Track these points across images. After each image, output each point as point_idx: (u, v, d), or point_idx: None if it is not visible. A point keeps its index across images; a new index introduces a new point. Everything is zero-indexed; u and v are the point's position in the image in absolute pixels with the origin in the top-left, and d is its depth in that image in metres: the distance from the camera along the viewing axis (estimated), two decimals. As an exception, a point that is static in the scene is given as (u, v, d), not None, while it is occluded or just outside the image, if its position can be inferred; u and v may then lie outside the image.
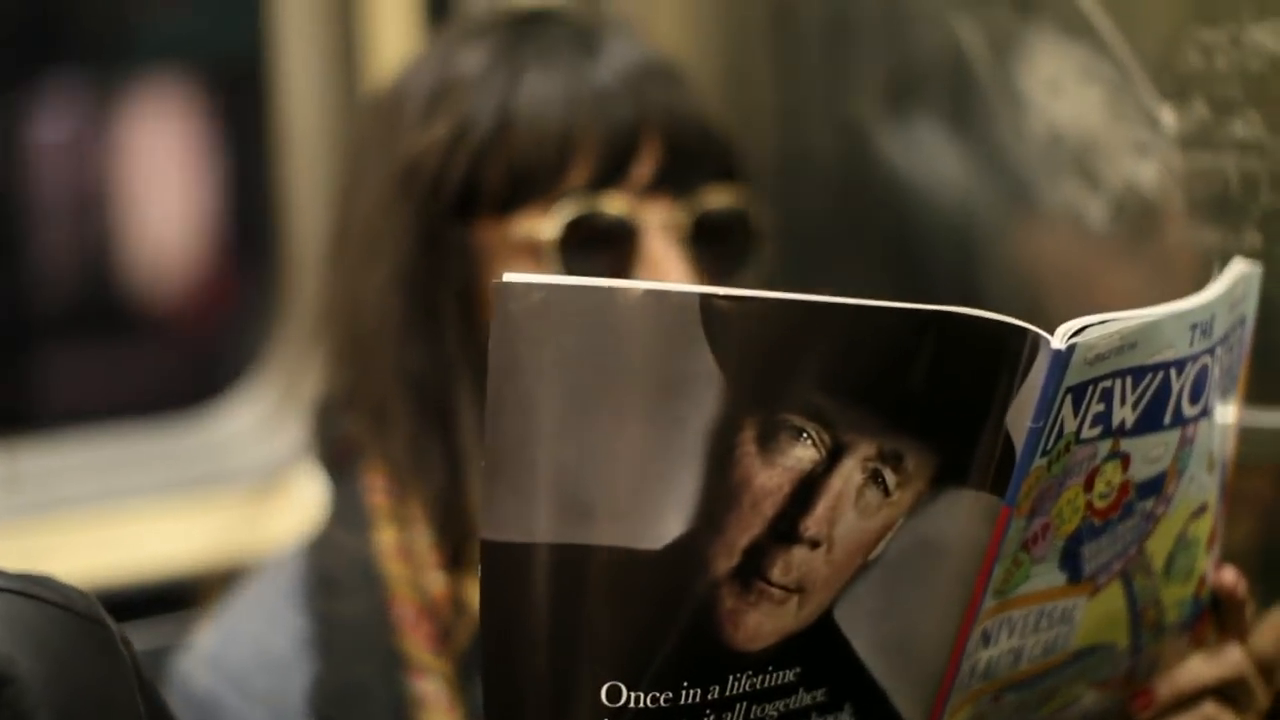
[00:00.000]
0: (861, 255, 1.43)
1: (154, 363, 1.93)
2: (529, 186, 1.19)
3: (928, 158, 1.34)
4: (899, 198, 1.37)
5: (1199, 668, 0.95)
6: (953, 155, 1.31)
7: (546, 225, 1.19)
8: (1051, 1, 1.23)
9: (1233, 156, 1.10)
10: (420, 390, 1.21)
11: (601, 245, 1.19)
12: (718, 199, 1.22)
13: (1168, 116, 1.13)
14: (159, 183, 1.97)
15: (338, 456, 1.28)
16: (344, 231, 1.28)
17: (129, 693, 0.83)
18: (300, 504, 1.35)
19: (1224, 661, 0.96)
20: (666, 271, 1.18)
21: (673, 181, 1.20)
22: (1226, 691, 0.96)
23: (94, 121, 1.99)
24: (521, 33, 1.24)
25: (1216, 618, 0.97)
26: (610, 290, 0.74)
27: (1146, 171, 1.16)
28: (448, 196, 1.20)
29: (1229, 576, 0.96)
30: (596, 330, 0.74)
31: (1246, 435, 1.04)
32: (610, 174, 1.19)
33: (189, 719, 1.19)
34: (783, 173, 1.41)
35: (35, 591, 0.82)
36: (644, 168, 1.20)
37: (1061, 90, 1.21)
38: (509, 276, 0.74)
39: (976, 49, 1.27)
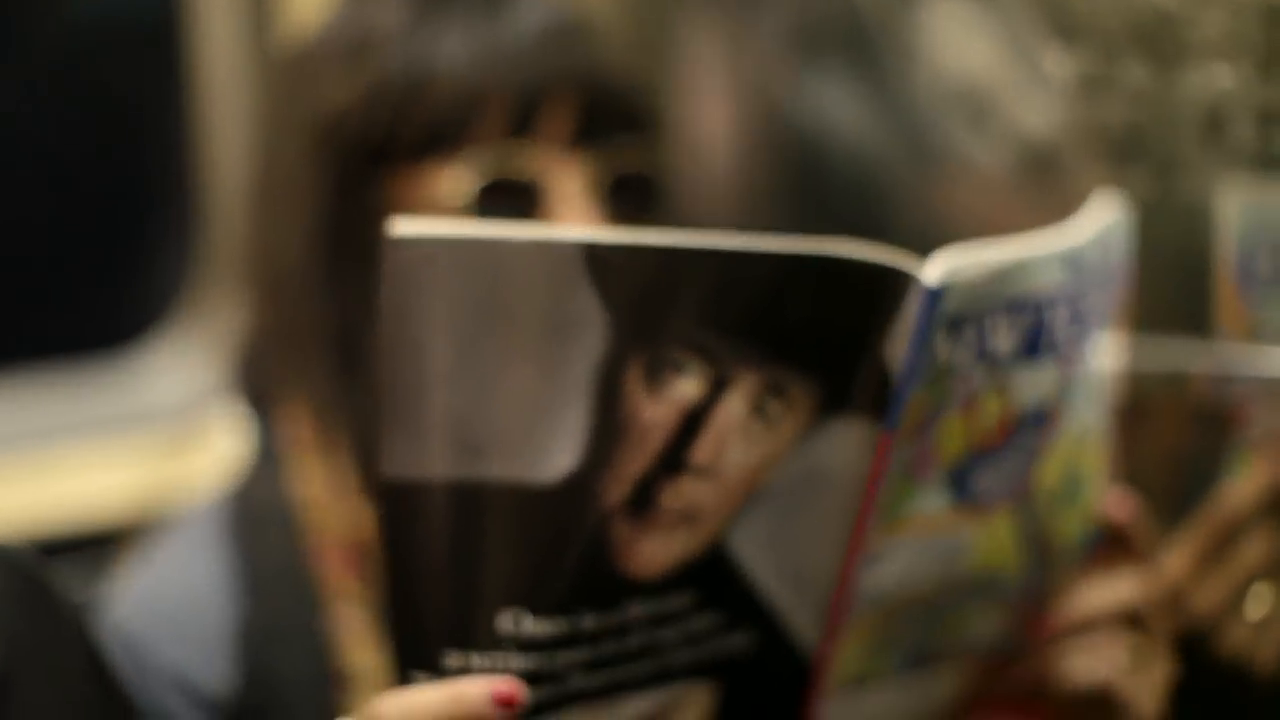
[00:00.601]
0: (767, 202, 1.44)
1: (74, 304, 1.92)
2: (441, 143, 1.18)
3: (830, 106, 1.35)
4: (802, 145, 1.38)
5: (1094, 594, 0.97)
6: (854, 103, 1.33)
7: (459, 181, 1.18)
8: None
9: (1119, 105, 1.13)
10: (338, 336, 1.21)
11: (514, 203, 1.18)
12: (632, 156, 1.21)
13: (1057, 65, 1.15)
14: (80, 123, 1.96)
15: (260, 396, 1.29)
16: (262, 178, 1.28)
17: (71, 647, 0.83)
18: (223, 445, 1.36)
19: (1119, 587, 0.98)
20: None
21: (587, 139, 1.19)
22: (1126, 618, 0.97)
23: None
24: None
25: (1115, 548, 0.99)
26: (496, 238, 0.75)
27: (1037, 119, 1.18)
28: (361, 150, 1.20)
29: (1119, 502, 0.98)
30: (484, 277, 0.75)
31: (1144, 377, 1.07)
32: (523, 131, 1.18)
33: (118, 662, 1.19)
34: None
35: None
36: (558, 125, 1.19)
37: (956, 39, 1.23)
38: (398, 226, 0.75)
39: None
